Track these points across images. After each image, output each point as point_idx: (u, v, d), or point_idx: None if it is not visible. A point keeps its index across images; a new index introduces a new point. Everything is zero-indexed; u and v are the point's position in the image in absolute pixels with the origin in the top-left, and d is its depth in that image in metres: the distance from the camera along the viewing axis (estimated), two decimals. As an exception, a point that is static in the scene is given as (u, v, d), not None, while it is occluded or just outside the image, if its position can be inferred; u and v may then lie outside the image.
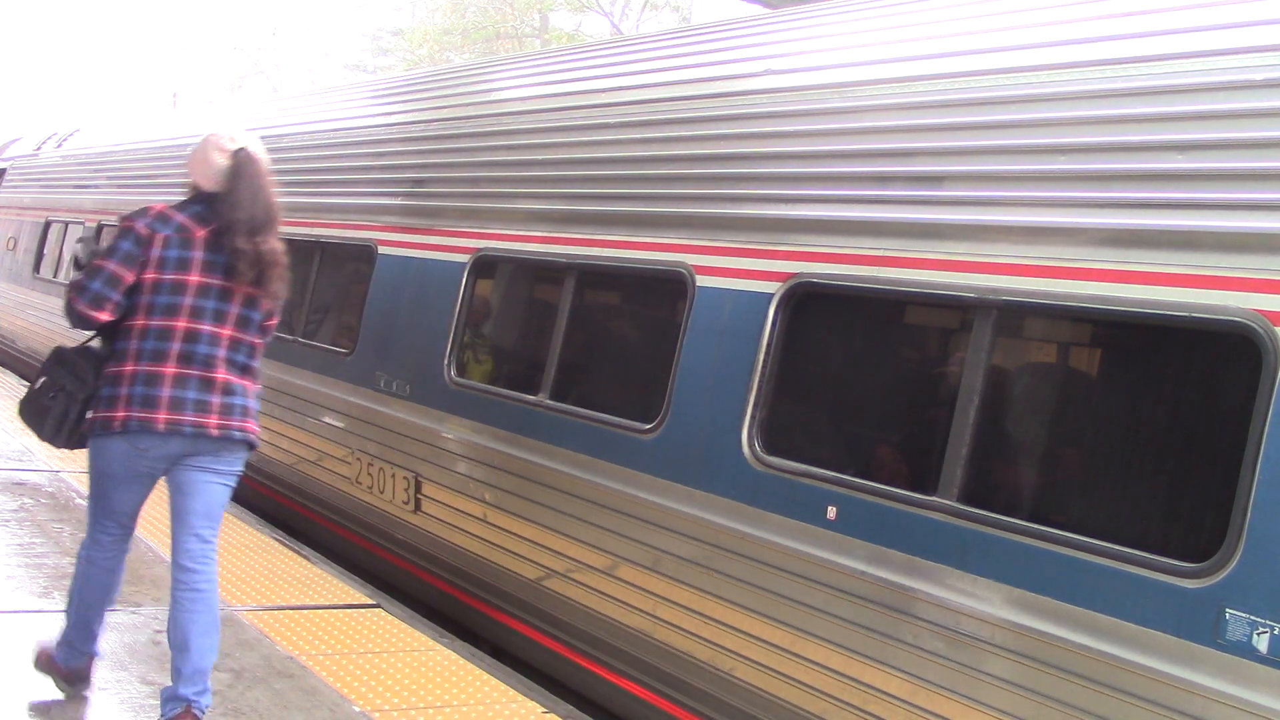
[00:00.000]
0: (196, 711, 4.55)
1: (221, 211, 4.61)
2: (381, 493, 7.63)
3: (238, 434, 4.61)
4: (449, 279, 7.30)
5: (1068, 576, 3.98)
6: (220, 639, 5.17)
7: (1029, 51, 4.62)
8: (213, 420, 4.54)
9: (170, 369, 4.51)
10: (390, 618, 6.44)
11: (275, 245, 4.70)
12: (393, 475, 7.50)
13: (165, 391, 4.49)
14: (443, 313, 7.28)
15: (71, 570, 6.58)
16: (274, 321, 4.85)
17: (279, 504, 9.08)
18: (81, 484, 8.54)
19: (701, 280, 5.53)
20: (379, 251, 8.08)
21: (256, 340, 4.71)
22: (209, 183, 4.68)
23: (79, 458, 9.54)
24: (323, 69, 53.79)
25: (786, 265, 5.16)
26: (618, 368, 6.69)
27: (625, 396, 6.21)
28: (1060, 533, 4.04)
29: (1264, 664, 3.49)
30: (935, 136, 4.77)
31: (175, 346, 4.51)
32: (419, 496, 7.27)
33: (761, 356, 5.16)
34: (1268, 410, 3.59)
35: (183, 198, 4.78)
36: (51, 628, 5.13)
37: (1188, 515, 4.07)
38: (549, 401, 6.35)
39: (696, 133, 5.90)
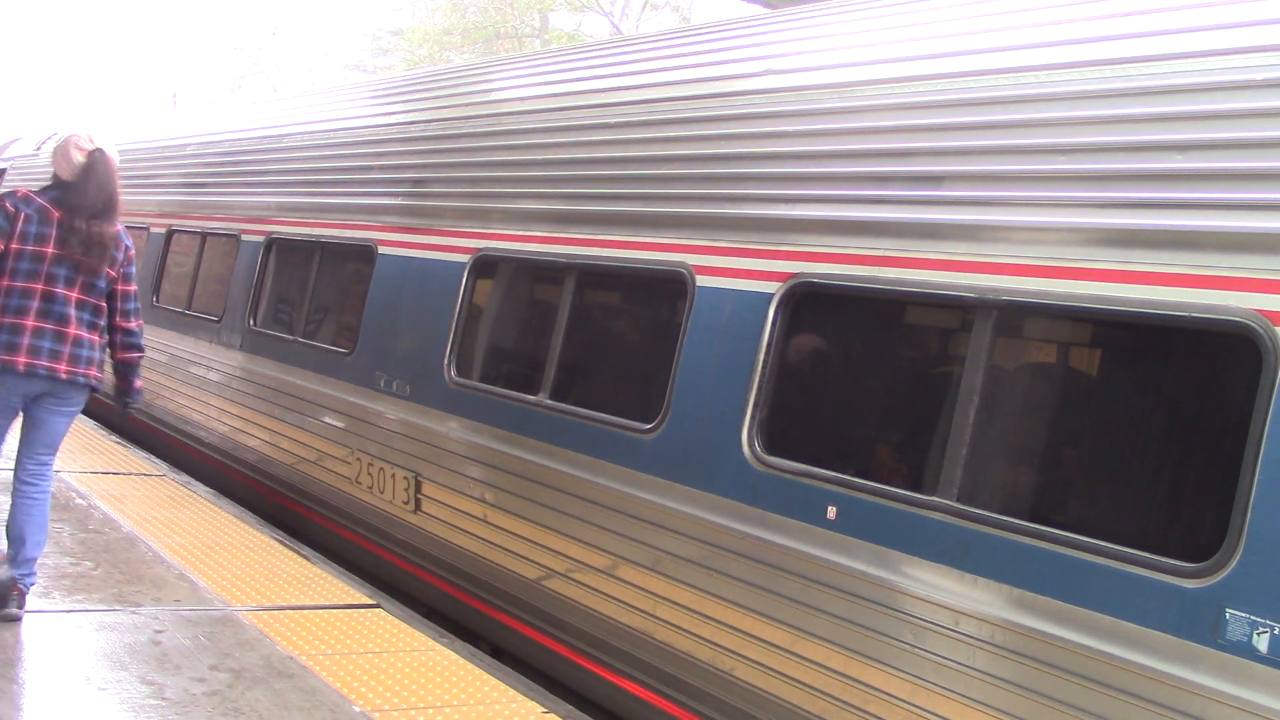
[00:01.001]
0: (22, 587, 5.70)
1: (69, 198, 5.68)
2: (381, 493, 7.63)
3: (81, 379, 5.69)
4: (449, 279, 7.30)
5: (1068, 576, 3.98)
6: (220, 639, 5.15)
7: (1029, 51, 4.62)
8: (62, 366, 5.62)
9: (30, 322, 5.56)
10: (390, 618, 6.44)
11: (108, 229, 5.73)
12: (393, 475, 7.50)
13: (25, 340, 5.54)
14: (443, 313, 7.27)
15: (71, 570, 6.62)
16: (126, 289, 5.91)
17: (279, 504, 9.08)
18: (81, 484, 8.56)
19: (701, 280, 5.53)
20: (379, 251, 8.09)
21: (101, 303, 5.80)
22: (66, 174, 5.74)
23: (78, 458, 9.55)
24: (323, 69, 53.78)
25: (787, 265, 5.16)
26: (618, 368, 6.69)
27: (625, 396, 6.20)
28: (1060, 533, 4.04)
29: (1264, 664, 3.49)
30: (935, 136, 4.77)
31: (34, 304, 5.57)
32: (419, 496, 7.27)
33: (761, 356, 5.16)
34: (1268, 410, 3.59)
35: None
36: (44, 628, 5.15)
37: (1188, 515, 4.07)
38: (549, 401, 6.35)
39: (696, 133, 5.90)
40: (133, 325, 5.95)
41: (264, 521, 8.44)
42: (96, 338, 5.78)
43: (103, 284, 5.74)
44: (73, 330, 5.62)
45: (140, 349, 6.04)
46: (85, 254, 5.62)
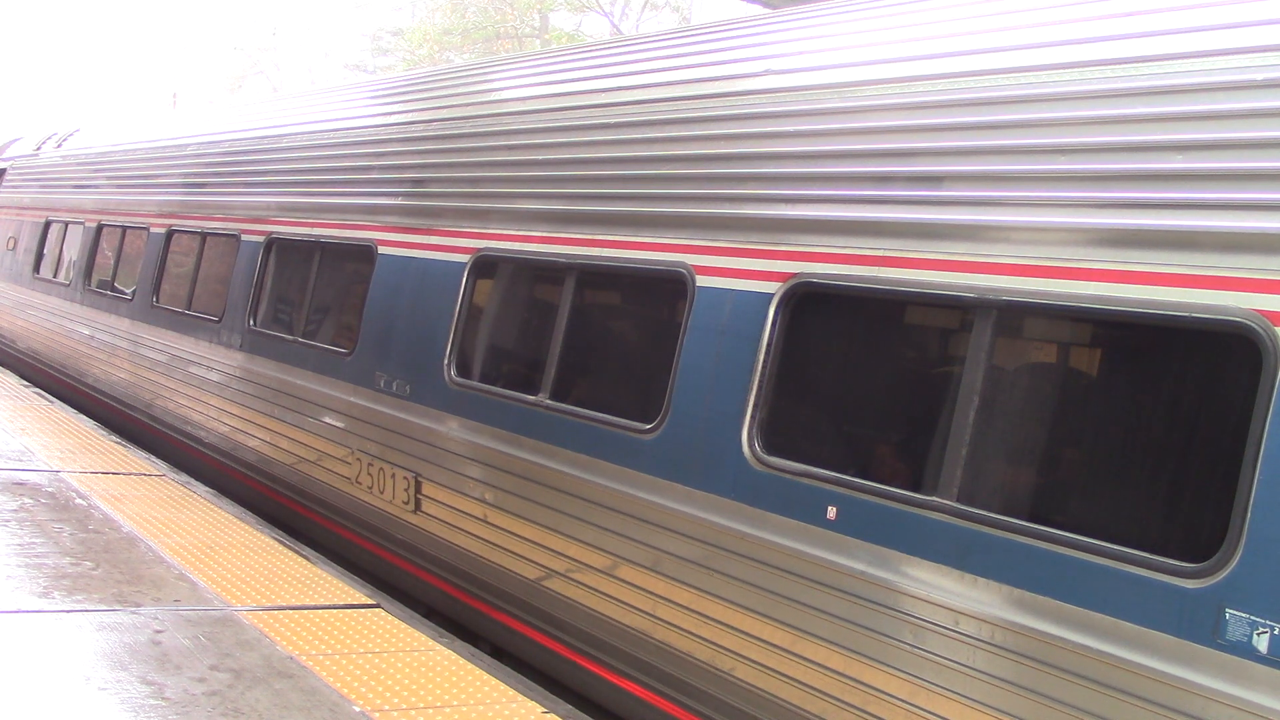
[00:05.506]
0: None
1: None
2: (381, 493, 7.63)
3: None
4: (449, 279, 7.30)
5: (1068, 576, 3.98)
6: (220, 639, 5.16)
7: (1029, 51, 4.62)
8: None
9: None
10: (390, 618, 6.44)
11: None
12: (393, 475, 7.50)
13: None
14: (443, 313, 7.28)
15: (72, 570, 6.62)
16: None
17: (279, 504, 9.07)
18: (81, 484, 8.56)
19: (701, 280, 5.54)
20: (379, 251, 8.09)
21: None
22: None
23: (78, 456, 9.57)
24: (323, 69, 53.79)
25: (786, 265, 5.16)
26: (618, 368, 6.69)
27: (625, 397, 6.20)
28: (1060, 533, 4.04)
29: (1264, 664, 3.49)
30: (935, 136, 4.77)
31: None
32: (419, 496, 7.27)
33: (761, 356, 5.16)
34: (1268, 410, 3.59)
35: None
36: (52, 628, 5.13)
37: (1188, 515, 4.07)
38: (549, 401, 6.35)
39: (696, 133, 5.90)
40: None
41: (264, 521, 8.44)
42: None
43: None
44: None
45: None
46: None
